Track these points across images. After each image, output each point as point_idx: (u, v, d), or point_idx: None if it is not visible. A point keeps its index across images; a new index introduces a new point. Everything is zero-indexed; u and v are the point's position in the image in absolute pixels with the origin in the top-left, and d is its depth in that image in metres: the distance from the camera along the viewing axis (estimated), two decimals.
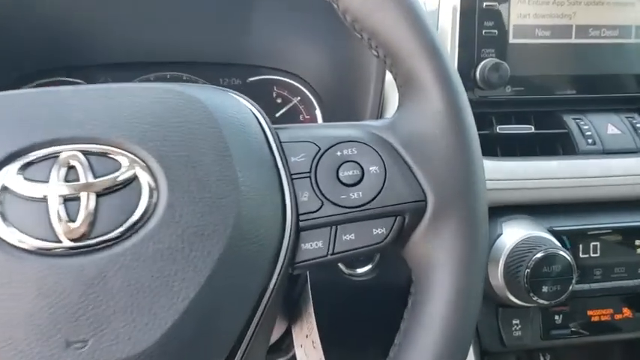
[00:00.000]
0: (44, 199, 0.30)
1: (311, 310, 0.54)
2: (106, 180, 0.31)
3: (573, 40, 0.67)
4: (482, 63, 0.64)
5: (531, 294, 0.55)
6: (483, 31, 0.65)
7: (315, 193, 0.37)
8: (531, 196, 0.62)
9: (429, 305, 0.36)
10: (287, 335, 0.68)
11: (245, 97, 0.39)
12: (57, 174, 0.31)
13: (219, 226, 0.31)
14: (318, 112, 0.83)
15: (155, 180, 0.31)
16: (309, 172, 0.37)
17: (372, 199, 0.37)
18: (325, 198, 0.37)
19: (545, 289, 0.54)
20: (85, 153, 0.31)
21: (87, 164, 0.31)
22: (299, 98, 0.83)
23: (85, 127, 0.32)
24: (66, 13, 0.70)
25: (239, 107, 0.37)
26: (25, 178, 0.30)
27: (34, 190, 0.30)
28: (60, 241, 0.30)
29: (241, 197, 0.33)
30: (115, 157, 0.32)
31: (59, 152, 0.31)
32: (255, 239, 0.33)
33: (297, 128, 0.40)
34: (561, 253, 0.55)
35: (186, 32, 0.77)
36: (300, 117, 0.83)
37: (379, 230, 0.37)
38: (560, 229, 0.62)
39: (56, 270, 0.29)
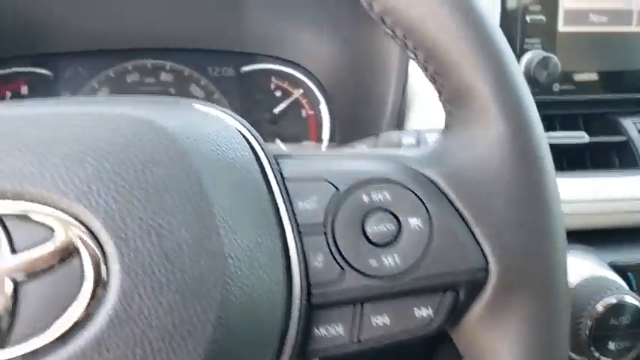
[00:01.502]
0: None
1: None
2: (29, 257, 0.22)
3: (634, 28, 0.59)
4: (527, 56, 0.56)
5: (592, 348, 0.45)
6: (528, 17, 0.56)
7: (333, 255, 0.27)
8: (586, 222, 0.53)
9: None
10: None
11: (231, 113, 0.30)
12: None
13: (197, 323, 0.23)
14: (323, 107, 0.75)
15: (104, 255, 0.23)
16: (324, 224, 0.27)
17: (413, 266, 0.27)
18: (347, 263, 0.27)
19: (611, 345, 0.45)
20: None
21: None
22: (301, 91, 0.75)
23: None
24: None
25: (226, 134, 0.27)
26: None
27: None
28: None
29: (229, 275, 0.24)
30: (43, 221, 0.22)
31: None
32: (250, 335, 0.25)
33: (303, 158, 0.30)
34: (631, 299, 0.44)
35: (170, 14, 0.69)
36: (303, 113, 0.76)
37: (423, 311, 0.28)
38: (625, 263, 0.53)
39: None
